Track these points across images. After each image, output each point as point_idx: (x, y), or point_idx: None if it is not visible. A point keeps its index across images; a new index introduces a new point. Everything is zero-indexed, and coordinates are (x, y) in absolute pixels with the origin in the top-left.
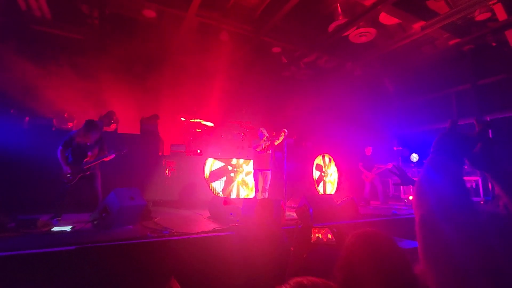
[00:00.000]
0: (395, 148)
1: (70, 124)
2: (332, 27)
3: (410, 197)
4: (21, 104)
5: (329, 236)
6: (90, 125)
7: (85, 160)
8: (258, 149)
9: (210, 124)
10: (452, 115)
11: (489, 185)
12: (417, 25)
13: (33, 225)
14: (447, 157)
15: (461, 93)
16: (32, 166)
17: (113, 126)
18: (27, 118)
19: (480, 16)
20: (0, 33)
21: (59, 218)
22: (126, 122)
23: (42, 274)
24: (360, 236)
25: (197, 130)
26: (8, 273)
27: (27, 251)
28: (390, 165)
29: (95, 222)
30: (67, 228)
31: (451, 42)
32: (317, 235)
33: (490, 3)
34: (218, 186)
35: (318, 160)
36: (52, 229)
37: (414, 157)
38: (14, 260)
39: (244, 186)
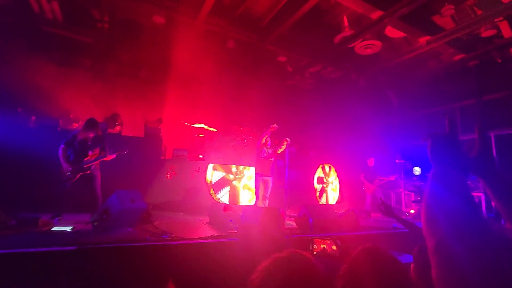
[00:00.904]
0: (397, 161)
1: (75, 125)
2: (338, 38)
3: (412, 211)
4: (29, 103)
5: (333, 247)
6: (90, 123)
7: (85, 159)
8: (263, 141)
9: (213, 129)
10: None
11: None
12: (423, 39)
13: (34, 224)
14: (450, 169)
15: (466, 108)
16: (35, 165)
17: (117, 128)
18: (33, 118)
19: (486, 32)
20: (12, 33)
21: (60, 218)
22: (131, 125)
23: (41, 273)
24: (366, 250)
25: (200, 135)
26: (8, 270)
27: (27, 250)
28: (392, 178)
29: (95, 223)
30: (68, 228)
31: (456, 57)
32: (321, 245)
33: (495, 20)
34: (218, 192)
35: (320, 170)
36: (52, 229)
37: (417, 170)
38: (14, 258)
39: (245, 193)
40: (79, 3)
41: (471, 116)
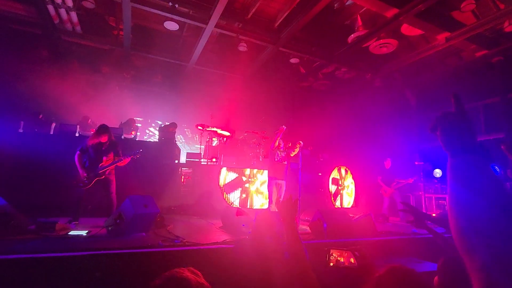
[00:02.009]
0: (416, 163)
1: (92, 130)
2: (351, 38)
3: (433, 214)
4: (50, 110)
5: (352, 260)
6: (100, 129)
7: (100, 164)
8: (276, 144)
9: (226, 133)
10: (479, 129)
11: None
12: (441, 36)
13: (51, 228)
14: (471, 156)
15: (489, 106)
16: (54, 170)
17: (132, 133)
18: (53, 124)
19: (510, 27)
20: (34, 44)
21: (77, 222)
22: (146, 130)
23: (54, 278)
24: (393, 270)
25: (213, 139)
26: (25, 275)
27: (43, 255)
28: (411, 180)
29: (109, 228)
30: (83, 233)
31: (478, 54)
32: (338, 258)
33: None
34: (232, 196)
35: (335, 173)
36: (69, 233)
37: (437, 172)
38: (32, 263)
39: (258, 196)
40: (95, 12)
41: (495, 114)
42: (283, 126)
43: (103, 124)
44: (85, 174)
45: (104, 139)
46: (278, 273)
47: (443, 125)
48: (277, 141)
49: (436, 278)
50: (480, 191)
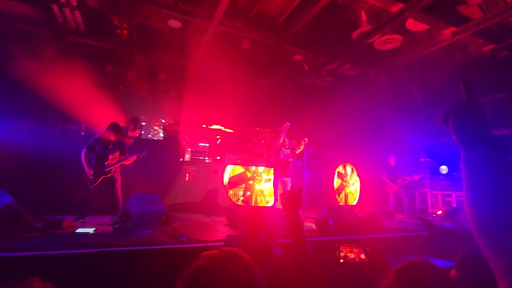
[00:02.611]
0: (422, 160)
1: (97, 129)
2: (355, 34)
3: (439, 212)
4: (55, 110)
5: (362, 256)
6: (114, 126)
7: (106, 162)
8: (281, 141)
9: (230, 131)
10: None
11: None
12: (447, 31)
13: (58, 226)
14: (488, 148)
15: (496, 101)
16: (60, 169)
17: (137, 131)
18: (58, 123)
19: None
20: (39, 43)
21: (83, 220)
22: (150, 128)
23: (61, 275)
24: (413, 264)
25: (217, 137)
26: (31, 272)
27: (50, 252)
28: (416, 177)
29: (116, 226)
30: (90, 230)
31: (485, 49)
32: (348, 254)
33: None
34: (236, 193)
35: (340, 170)
36: (76, 231)
37: (443, 169)
38: (40, 260)
39: (263, 194)
40: (99, 11)
41: (502, 110)
42: (287, 123)
43: (116, 123)
44: (92, 172)
45: (113, 137)
46: (268, 271)
47: (455, 115)
48: (282, 138)
49: (452, 272)
50: (496, 189)
